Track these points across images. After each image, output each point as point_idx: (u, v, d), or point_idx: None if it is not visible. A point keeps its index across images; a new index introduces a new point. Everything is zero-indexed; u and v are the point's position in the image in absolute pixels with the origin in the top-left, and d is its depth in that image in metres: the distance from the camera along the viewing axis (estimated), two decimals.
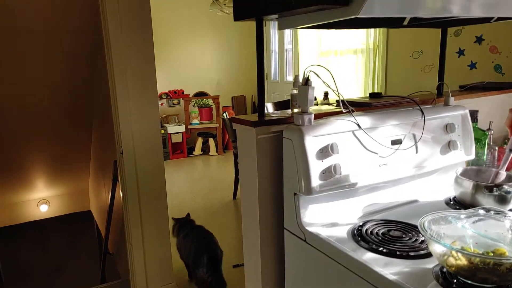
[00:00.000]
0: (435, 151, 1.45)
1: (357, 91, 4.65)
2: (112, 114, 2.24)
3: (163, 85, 5.88)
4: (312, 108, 1.57)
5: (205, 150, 6.19)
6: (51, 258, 4.29)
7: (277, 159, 1.34)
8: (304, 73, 1.26)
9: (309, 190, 1.19)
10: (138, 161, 2.28)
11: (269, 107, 4.88)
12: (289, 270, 1.36)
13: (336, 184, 1.23)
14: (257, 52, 1.30)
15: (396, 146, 1.37)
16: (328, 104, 1.80)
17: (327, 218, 1.27)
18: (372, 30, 4.39)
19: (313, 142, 1.21)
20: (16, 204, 4.27)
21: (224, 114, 4.06)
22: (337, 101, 1.67)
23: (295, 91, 1.40)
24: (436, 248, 0.92)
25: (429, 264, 1.00)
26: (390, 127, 1.36)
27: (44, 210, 4.34)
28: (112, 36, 2.08)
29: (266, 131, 1.30)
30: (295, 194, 1.25)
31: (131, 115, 2.22)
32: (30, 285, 3.74)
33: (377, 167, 1.32)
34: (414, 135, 1.41)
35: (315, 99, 4.24)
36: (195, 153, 6.07)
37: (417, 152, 1.41)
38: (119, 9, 2.07)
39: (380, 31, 4.34)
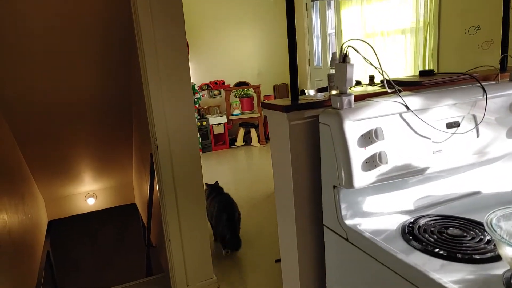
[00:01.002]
0: (499, 135, 1.23)
1: (408, 73, 4.33)
2: (146, 106, 2.20)
3: (203, 76, 5.87)
4: (354, 90, 1.41)
5: (247, 140, 6.13)
6: (99, 250, 4.46)
7: (313, 148, 1.20)
8: (341, 49, 1.11)
9: (350, 183, 1.05)
10: (173, 154, 2.22)
11: (311, 94, 4.70)
12: (330, 271, 1.23)
13: (382, 175, 1.07)
14: (288, 27, 1.16)
15: (452, 130, 1.18)
16: (372, 85, 1.62)
17: (372, 214, 1.12)
18: (422, 6, 4.04)
19: (354, 127, 1.06)
20: (65, 198, 4.46)
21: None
22: (382, 81, 1.50)
23: (332, 71, 1.25)
24: (508, 251, 0.75)
25: (498, 269, 0.83)
26: (445, 108, 1.18)
27: (91, 203, 4.50)
28: (143, 29, 2.03)
29: (300, 116, 1.16)
30: (334, 187, 1.11)
31: (165, 107, 2.16)
32: (80, 277, 3.91)
33: (430, 154, 1.14)
34: (474, 117, 1.21)
35: (360, 83, 4.00)
36: (237, 144, 6.02)
37: (478, 136, 1.21)
38: (150, 2, 2.01)
39: (432, 7, 3.98)
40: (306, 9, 5.91)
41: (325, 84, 5.90)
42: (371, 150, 1.07)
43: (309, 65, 6.10)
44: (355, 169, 1.05)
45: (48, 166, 3.90)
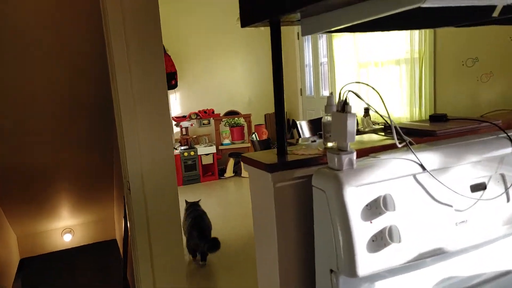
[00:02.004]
0: None
1: (402, 107, 4.16)
2: (119, 145, 1.96)
3: (192, 105, 5.67)
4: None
5: (237, 171, 5.87)
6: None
7: (305, 218, 0.96)
8: (340, 94, 0.89)
9: (352, 269, 0.80)
10: (148, 199, 1.97)
11: (303, 125, 4.49)
12: None
13: (394, 257, 0.83)
14: (273, 66, 0.94)
15: (478, 194, 0.95)
16: (373, 129, 1.40)
17: None
18: (416, 36, 3.92)
19: (356, 195, 0.83)
20: (39, 234, 4.14)
21: (254, 135, 3.72)
22: (385, 126, 1.27)
23: (327, 118, 1.02)
24: None
25: None
26: (468, 167, 0.95)
27: (68, 240, 4.17)
28: (116, 54, 1.81)
29: (288, 176, 0.93)
30: (332, 271, 0.86)
31: (140, 145, 1.92)
32: None
33: (453, 226, 0.91)
34: (502, 176, 0.98)
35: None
36: (226, 175, 5.77)
37: (509, 200, 0.98)
38: (124, 24, 1.80)
39: (427, 37, 3.86)
40: (298, 38, 5.80)
41: (317, 114, 5.72)
42: (379, 224, 0.83)
43: (301, 94, 5.95)
44: (358, 250, 0.81)
45: (22, 200, 3.60)
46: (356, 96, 0.91)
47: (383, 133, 1.23)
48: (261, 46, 5.97)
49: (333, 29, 0.92)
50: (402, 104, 4.18)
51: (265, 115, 6.25)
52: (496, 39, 3.36)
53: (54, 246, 4.16)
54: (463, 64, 3.69)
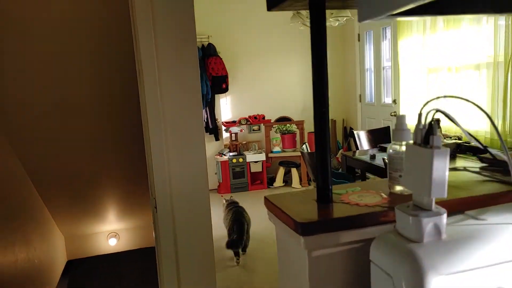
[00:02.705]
0: None
1: (480, 119, 3.58)
2: (146, 159, 1.75)
3: (242, 110, 5.45)
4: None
5: (287, 181, 5.54)
6: None
7: None
8: (420, 115, 0.55)
9: None
10: (177, 223, 1.72)
11: (362, 136, 4.05)
12: None
13: None
14: (314, 62, 0.62)
15: None
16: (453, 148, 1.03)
17: None
18: (502, 36, 3.33)
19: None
20: (86, 236, 4.13)
21: (304, 145, 3.39)
22: (483, 158, 0.90)
23: (396, 148, 0.68)
24: None
25: None
26: None
27: (113, 244, 4.11)
28: (144, 57, 1.59)
29: (331, 241, 0.60)
30: None
31: (169, 159, 1.69)
32: None
33: None
34: None
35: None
36: (276, 184, 5.46)
37: None
38: (153, 24, 1.58)
39: None
40: (358, 40, 5.35)
41: (377, 123, 5.22)
42: None
43: (360, 101, 5.48)
44: None
45: (68, 202, 3.59)
46: (447, 119, 0.56)
47: (477, 166, 0.86)
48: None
49: (400, 10, 0.59)
50: (481, 115, 3.59)
51: None
52: None
53: (100, 250, 4.14)
54: None
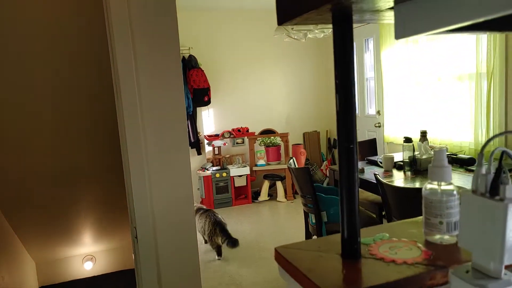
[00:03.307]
0: None
1: (465, 129, 3.56)
2: (125, 185, 1.60)
3: (226, 123, 5.32)
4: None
5: (272, 194, 5.42)
6: None
7: None
8: (481, 155, 0.44)
9: None
10: (160, 253, 1.57)
11: None
12: None
13: None
14: (337, 88, 0.50)
15: None
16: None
17: None
18: (484, 49, 3.34)
19: None
20: (59, 261, 3.87)
21: (292, 160, 3.27)
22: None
23: (434, 189, 0.57)
24: None
25: None
26: None
27: (88, 268, 3.87)
28: (121, 70, 1.45)
29: None
30: None
31: (151, 184, 1.54)
32: None
33: None
34: None
35: (410, 141, 3.24)
36: (261, 198, 5.33)
37: None
38: (130, 27, 1.44)
39: (496, 50, 3.28)
40: None
41: (361, 134, 5.18)
42: None
43: None
44: None
45: (38, 225, 3.35)
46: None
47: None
48: (301, 60, 5.56)
49: (444, 29, 0.48)
50: (465, 126, 3.58)
51: (303, 133, 5.79)
52: None
53: (74, 275, 3.89)
54: None
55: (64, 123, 2.61)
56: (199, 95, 4.88)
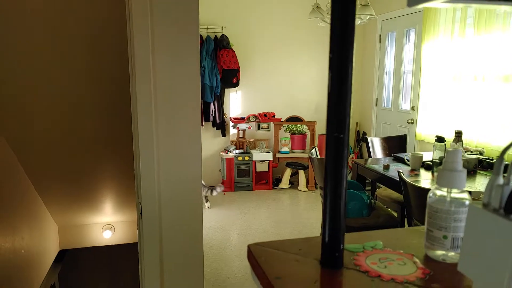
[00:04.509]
0: None
1: (505, 134, 3.31)
2: (134, 158, 1.57)
3: (253, 107, 5.24)
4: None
5: (294, 183, 5.34)
6: (114, 283, 3.92)
7: None
8: (500, 161, 0.34)
9: None
10: (164, 229, 1.54)
11: (375, 142, 3.82)
12: None
13: None
14: (332, 50, 0.42)
15: None
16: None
17: None
18: None
19: None
20: (80, 227, 3.99)
21: (314, 150, 3.17)
22: None
23: (441, 196, 0.47)
24: None
25: None
26: None
27: (107, 236, 3.96)
28: (136, 43, 1.40)
29: None
30: None
31: (159, 159, 1.50)
32: None
33: None
34: None
35: (443, 140, 3.05)
36: (281, 185, 5.26)
37: None
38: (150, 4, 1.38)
39: None
40: (380, 41, 5.09)
41: (392, 129, 4.97)
42: None
43: (376, 105, 5.23)
44: None
45: (63, 192, 3.45)
46: None
47: None
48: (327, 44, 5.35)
49: None
50: (506, 130, 3.33)
51: None
52: None
53: (93, 241, 4.00)
54: None
55: (85, 97, 2.63)
56: (228, 76, 4.82)
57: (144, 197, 1.51)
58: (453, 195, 0.45)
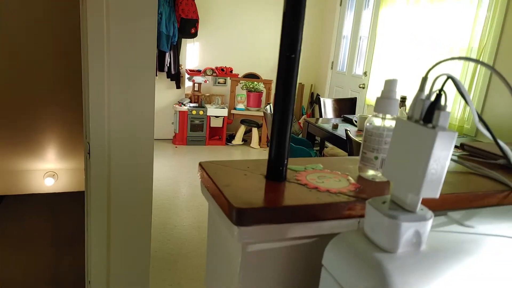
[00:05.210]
0: None
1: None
2: (83, 95, 1.51)
3: (210, 60, 5.14)
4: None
5: (247, 140, 5.42)
6: (54, 233, 3.85)
7: None
8: (424, 80, 0.39)
9: None
10: (113, 173, 1.53)
11: (328, 104, 3.95)
12: None
13: None
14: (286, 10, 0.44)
15: None
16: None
17: None
18: (481, 24, 3.25)
19: None
20: (21, 172, 3.82)
21: (269, 106, 3.23)
22: (463, 145, 0.79)
23: (376, 122, 0.53)
24: None
25: None
26: None
27: (49, 184, 3.84)
28: None
29: (275, 235, 0.45)
30: None
31: (110, 96, 1.46)
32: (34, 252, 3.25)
33: None
34: None
35: (404, 102, 3.20)
36: (234, 142, 5.32)
37: None
38: None
39: (492, 28, 3.20)
40: (340, 4, 5.12)
41: (345, 92, 5.14)
42: None
43: (332, 68, 5.34)
44: None
45: (4, 138, 3.26)
46: (457, 91, 0.41)
47: (455, 153, 0.73)
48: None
49: None
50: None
51: None
52: None
53: (35, 188, 3.86)
54: None
55: (28, 41, 2.44)
56: (186, 26, 4.65)
57: (92, 136, 1.49)
58: (386, 121, 0.51)
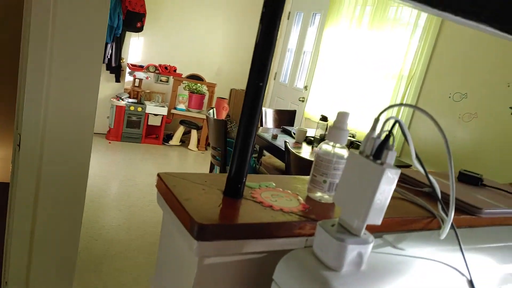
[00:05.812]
0: None
1: (366, 121, 3.84)
2: (18, 81, 1.41)
3: (154, 56, 5.01)
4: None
5: (185, 141, 5.35)
6: None
7: None
8: (376, 121, 0.45)
9: None
10: (45, 168, 1.44)
11: (269, 114, 4.06)
12: None
13: None
14: (265, 4, 0.47)
15: None
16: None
17: None
18: (413, 52, 3.58)
19: None
20: None
21: (212, 110, 3.23)
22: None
23: (327, 149, 0.58)
24: None
25: None
26: None
27: None
28: None
29: (231, 250, 0.48)
30: None
31: (49, 91, 1.37)
32: None
33: None
34: None
35: (325, 119, 3.37)
36: (172, 142, 5.22)
37: None
38: None
39: (422, 57, 3.54)
40: (288, 18, 5.30)
41: (285, 104, 5.32)
42: None
43: (274, 79, 5.49)
44: None
45: None
46: (401, 133, 0.47)
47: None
48: (245, 16, 5.39)
49: None
50: (367, 119, 3.86)
51: (231, 89, 5.73)
52: (490, 79, 3.10)
53: None
54: (449, 97, 3.42)
55: None
56: (132, 19, 4.49)
57: (25, 128, 1.39)
58: (336, 149, 0.56)
